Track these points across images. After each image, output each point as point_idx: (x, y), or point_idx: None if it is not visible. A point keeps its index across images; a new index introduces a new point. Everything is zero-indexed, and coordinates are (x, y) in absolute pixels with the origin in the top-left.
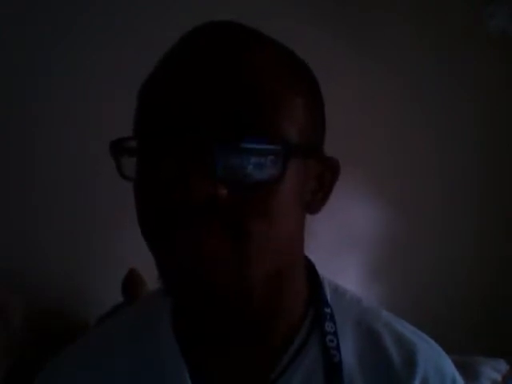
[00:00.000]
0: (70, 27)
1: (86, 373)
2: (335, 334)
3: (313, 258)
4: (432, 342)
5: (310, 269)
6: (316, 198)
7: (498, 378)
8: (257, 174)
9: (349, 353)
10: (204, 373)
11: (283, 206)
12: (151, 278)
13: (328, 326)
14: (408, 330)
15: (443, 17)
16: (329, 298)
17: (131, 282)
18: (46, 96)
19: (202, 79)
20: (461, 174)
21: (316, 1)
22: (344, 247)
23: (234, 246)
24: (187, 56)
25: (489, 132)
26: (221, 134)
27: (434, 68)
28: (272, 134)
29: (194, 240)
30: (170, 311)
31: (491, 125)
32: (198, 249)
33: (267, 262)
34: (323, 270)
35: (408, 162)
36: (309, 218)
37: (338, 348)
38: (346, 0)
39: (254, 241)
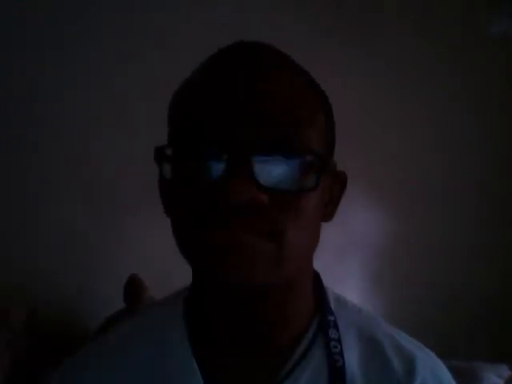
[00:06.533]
0: (72, 27)
1: (99, 371)
2: (339, 340)
3: (316, 264)
4: (429, 351)
5: (316, 277)
6: (328, 208)
7: (500, 383)
8: (295, 184)
9: (352, 359)
10: (214, 373)
11: (312, 213)
12: (152, 283)
13: (332, 333)
14: (406, 340)
15: (444, 18)
16: (332, 306)
17: (132, 288)
18: (44, 96)
19: (244, 96)
20: (465, 185)
21: (315, 6)
22: (346, 255)
23: (272, 247)
24: (229, 75)
25: (495, 138)
26: (263, 147)
27: (434, 71)
28: (306, 148)
29: (236, 239)
30: (183, 316)
31: (495, 129)
32: (240, 247)
33: (294, 264)
34: (326, 276)
35: (412, 171)
36: None
37: (341, 353)
38: (344, 6)
39: (288, 243)
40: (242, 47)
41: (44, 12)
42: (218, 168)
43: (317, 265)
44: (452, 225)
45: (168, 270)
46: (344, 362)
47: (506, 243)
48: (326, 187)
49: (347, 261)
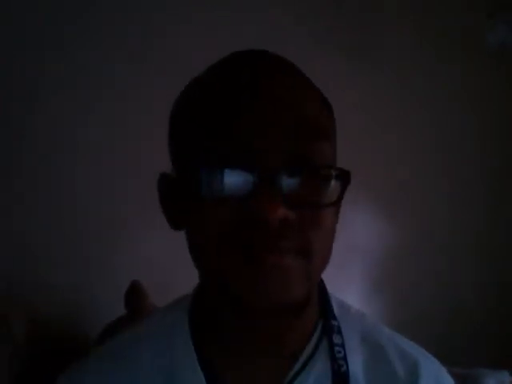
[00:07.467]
0: (72, 27)
1: (106, 377)
2: (342, 345)
3: None
4: (431, 356)
5: (319, 283)
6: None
7: None
8: (319, 198)
9: (355, 364)
10: (218, 377)
11: (332, 224)
12: (153, 290)
13: (336, 338)
14: (409, 345)
15: (444, 18)
16: (335, 312)
17: (134, 295)
18: (44, 96)
19: (268, 109)
20: (465, 185)
21: (314, 6)
22: (347, 262)
23: (303, 263)
24: (249, 85)
25: (495, 138)
26: (288, 162)
27: (434, 71)
28: (328, 161)
29: (273, 259)
30: (187, 321)
31: (495, 129)
32: (280, 269)
33: (320, 274)
34: (326, 278)
35: (412, 171)
36: None
37: (345, 359)
38: (344, 5)
39: (316, 257)
40: (260, 58)
41: (44, 12)
42: (244, 185)
43: None
44: (452, 225)
45: (169, 272)
46: (348, 367)
47: (507, 245)
48: None
49: (347, 259)
